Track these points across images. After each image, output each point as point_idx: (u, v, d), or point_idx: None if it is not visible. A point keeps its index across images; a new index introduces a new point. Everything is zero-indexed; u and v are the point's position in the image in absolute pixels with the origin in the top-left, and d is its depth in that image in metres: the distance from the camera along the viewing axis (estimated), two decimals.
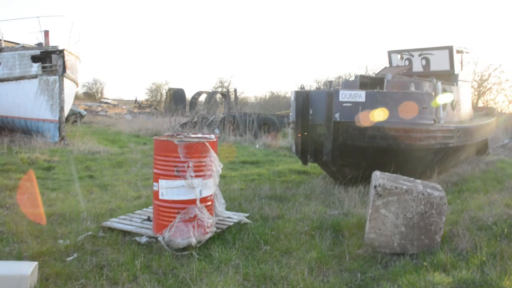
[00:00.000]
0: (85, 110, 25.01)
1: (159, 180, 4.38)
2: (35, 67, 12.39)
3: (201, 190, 4.36)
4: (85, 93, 46.46)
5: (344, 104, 6.98)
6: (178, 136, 4.78)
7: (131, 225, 4.79)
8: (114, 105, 38.17)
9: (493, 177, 8.52)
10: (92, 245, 4.33)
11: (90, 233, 4.62)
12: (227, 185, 7.40)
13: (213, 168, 4.40)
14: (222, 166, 4.58)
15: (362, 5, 69.12)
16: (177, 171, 4.28)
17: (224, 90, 32.42)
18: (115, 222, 4.87)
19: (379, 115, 6.96)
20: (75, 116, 20.14)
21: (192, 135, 4.90)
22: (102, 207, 5.83)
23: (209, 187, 4.46)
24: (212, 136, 4.72)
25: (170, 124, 18.01)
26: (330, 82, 8.81)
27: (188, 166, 4.25)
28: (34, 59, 12.46)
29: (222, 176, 7.77)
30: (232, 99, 25.16)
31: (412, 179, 4.82)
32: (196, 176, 4.31)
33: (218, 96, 28.71)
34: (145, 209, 5.55)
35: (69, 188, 7.10)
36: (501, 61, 24.27)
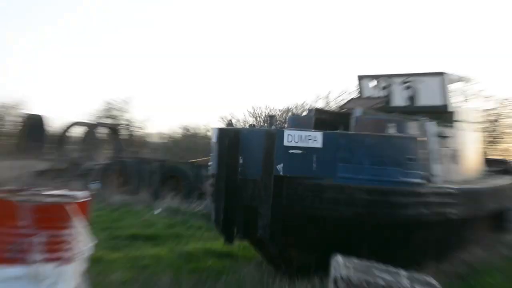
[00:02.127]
0: None
1: None
2: None
3: (54, 283, 4.06)
4: None
5: (291, 151, 7.05)
6: (22, 192, 4.48)
7: None
8: None
9: None
10: None
11: None
12: (101, 275, 7.07)
13: (76, 247, 4.13)
14: (94, 243, 4.33)
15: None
16: (15, 250, 3.96)
17: (113, 122, 32.05)
18: None
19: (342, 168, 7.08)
20: None
21: (47, 192, 4.63)
22: None
23: (68, 278, 4.18)
24: (81, 194, 4.48)
25: (20, 170, 17.33)
26: (272, 117, 8.93)
27: (34, 243, 3.96)
28: None
29: (94, 260, 7.39)
30: (124, 137, 24.85)
31: (394, 269, 4.80)
32: (47, 259, 4.04)
33: (103, 131, 28.26)
34: None
35: None
36: None
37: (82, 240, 4.30)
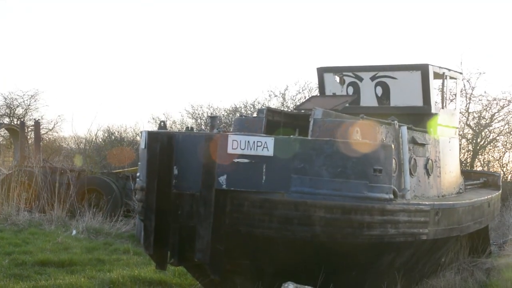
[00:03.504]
0: None
1: None
2: None
3: None
4: None
5: (237, 160, 7.15)
6: None
7: None
8: None
9: None
10: None
11: None
12: None
13: None
14: None
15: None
16: None
17: (16, 121, 31.52)
18: None
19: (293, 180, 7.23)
20: None
21: None
22: None
23: None
24: None
25: None
26: (214, 118, 8.95)
27: None
28: None
29: None
30: (30, 140, 24.55)
31: None
32: None
33: (3, 132, 27.88)
34: None
35: None
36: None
37: None
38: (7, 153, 27.00)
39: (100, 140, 32.37)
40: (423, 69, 10.54)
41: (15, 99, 35.79)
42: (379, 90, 10.92)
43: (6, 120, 33.19)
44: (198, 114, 29.70)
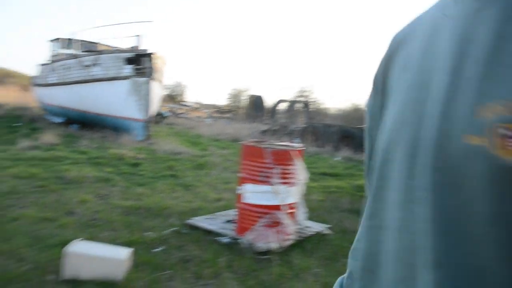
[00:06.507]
0: (167, 111, 26.37)
1: (245, 184, 4.62)
2: (128, 69, 13.38)
3: (285, 197, 4.52)
4: (167, 95, 48.90)
5: None
6: (264, 143, 5.00)
7: (214, 225, 5.08)
8: (195, 108, 39.79)
9: None
10: (177, 240, 4.65)
11: (175, 228, 4.97)
12: (306, 195, 7.46)
13: (297, 177, 4.55)
14: (307, 176, 4.71)
15: None
16: (263, 176, 4.48)
17: (304, 99, 32.62)
18: (198, 221, 5.19)
19: None
20: (159, 117, 21.33)
21: (278, 143, 5.10)
22: (184, 205, 6.21)
23: (292, 195, 4.62)
24: (298, 145, 4.87)
25: (249, 130, 18.49)
26: None
27: (274, 173, 4.44)
28: (128, 61, 13.47)
29: None
30: (312, 109, 25.20)
31: None
32: (281, 183, 4.48)
33: (299, 105, 28.92)
34: (226, 211, 5.83)
35: (154, 185, 7.62)
36: None
37: (300, 173, 4.71)
38: (301, 116, 27.90)
39: (349, 109, 32.54)
40: None
41: (304, 87, 37.79)
42: None
43: (300, 98, 34.70)
44: None
